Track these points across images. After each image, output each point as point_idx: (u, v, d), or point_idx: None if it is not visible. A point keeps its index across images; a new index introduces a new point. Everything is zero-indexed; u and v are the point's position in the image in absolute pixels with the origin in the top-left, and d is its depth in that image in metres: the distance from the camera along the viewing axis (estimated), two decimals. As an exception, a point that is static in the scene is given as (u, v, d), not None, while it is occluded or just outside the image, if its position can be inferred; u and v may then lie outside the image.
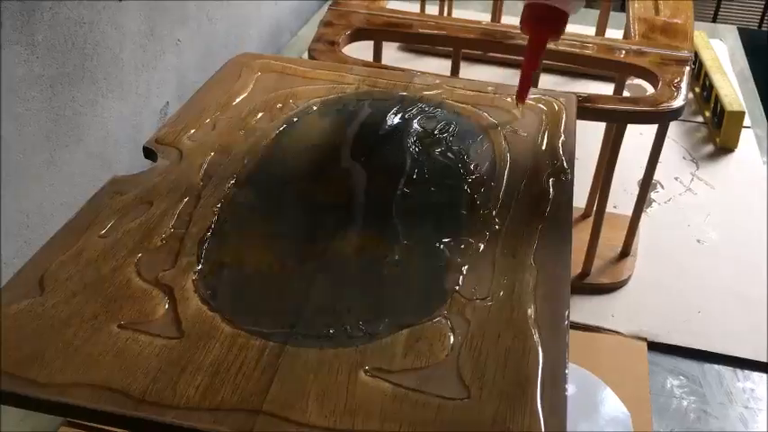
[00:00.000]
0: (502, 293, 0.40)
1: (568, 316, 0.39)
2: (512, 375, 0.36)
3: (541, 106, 0.57)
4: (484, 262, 0.43)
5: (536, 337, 0.38)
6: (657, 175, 0.99)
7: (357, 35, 0.80)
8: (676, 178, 1.01)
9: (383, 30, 0.80)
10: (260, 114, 0.55)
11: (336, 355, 0.36)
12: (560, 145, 0.53)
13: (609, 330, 0.77)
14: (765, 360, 0.74)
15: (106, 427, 0.62)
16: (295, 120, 0.55)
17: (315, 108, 0.56)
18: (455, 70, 0.84)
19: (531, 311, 0.39)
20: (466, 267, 0.42)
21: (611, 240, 0.86)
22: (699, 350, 0.76)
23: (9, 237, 0.73)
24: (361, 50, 0.79)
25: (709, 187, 1.00)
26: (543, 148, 0.53)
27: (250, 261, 0.42)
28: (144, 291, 0.39)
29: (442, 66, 1.10)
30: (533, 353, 0.37)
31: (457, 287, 0.41)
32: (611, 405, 0.70)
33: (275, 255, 0.43)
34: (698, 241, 0.89)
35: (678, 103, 0.72)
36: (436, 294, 0.40)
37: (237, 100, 0.57)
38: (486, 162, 0.51)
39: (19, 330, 0.37)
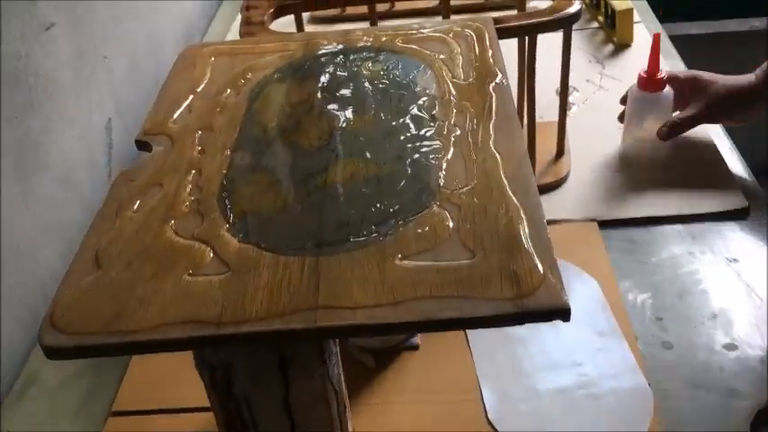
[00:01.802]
0: (478, 179, 0.49)
1: (535, 183, 0.48)
2: (505, 235, 0.44)
3: (467, 31, 0.66)
4: (456, 160, 0.51)
5: (516, 203, 0.46)
6: (571, 81, 1.09)
7: (280, 11, 0.87)
8: (588, 80, 1.12)
9: (303, 1, 0.87)
10: (228, 91, 0.62)
11: (363, 254, 0.44)
12: (491, 57, 0.61)
13: (561, 220, 0.87)
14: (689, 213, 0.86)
15: (153, 416, 0.68)
16: (259, 89, 0.62)
17: (273, 75, 0.63)
18: (373, 24, 0.91)
19: (505, 186, 0.48)
20: (444, 166, 0.50)
21: (544, 146, 0.96)
22: (643, 218, 0.86)
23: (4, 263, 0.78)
24: (280, 29, 0.85)
25: (617, 81, 1.10)
26: (478, 63, 0.61)
27: (266, 205, 0.49)
28: (187, 246, 0.46)
29: (356, 28, 1.17)
30: (517, 215, 0.46)
31: (441, 183, 0.49)
32: (580, 279, 0.80)
33: (285, 195, 0.50)
34: (619, 128, 1.00)
35: (575, 8, 0.82)
36: (426, 193, 0.48)
37: (202, 85, 0.63)
38: (432, 85, 0.59)
39: (93, 300, 0.43)
